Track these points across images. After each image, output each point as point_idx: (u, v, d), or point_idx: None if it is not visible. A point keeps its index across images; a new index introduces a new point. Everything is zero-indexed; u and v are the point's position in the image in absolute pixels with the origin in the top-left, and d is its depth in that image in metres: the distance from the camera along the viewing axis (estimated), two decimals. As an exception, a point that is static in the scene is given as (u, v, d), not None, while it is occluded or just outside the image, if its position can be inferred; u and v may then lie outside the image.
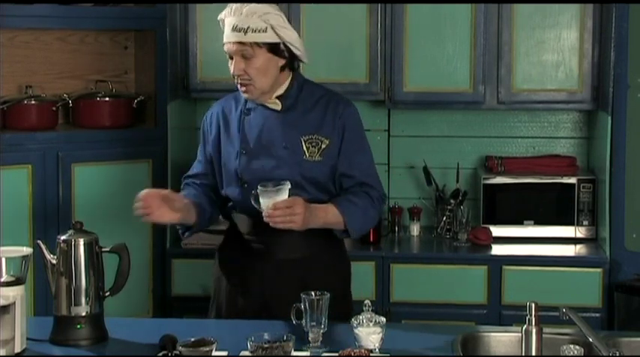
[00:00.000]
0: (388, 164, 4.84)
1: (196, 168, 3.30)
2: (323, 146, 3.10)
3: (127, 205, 4.29)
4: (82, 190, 4.21)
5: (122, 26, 4.46)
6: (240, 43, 3.01)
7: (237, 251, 3.18)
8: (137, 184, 4.30)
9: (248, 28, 2.99)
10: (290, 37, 3.05)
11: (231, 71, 3.06)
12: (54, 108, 4.33)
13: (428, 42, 4.46)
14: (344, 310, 3.06)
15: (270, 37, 3.01)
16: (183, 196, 3.13)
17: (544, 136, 4.78)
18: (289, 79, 3.14)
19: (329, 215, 3.05)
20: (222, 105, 3.25)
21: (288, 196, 2.92)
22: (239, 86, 3.09)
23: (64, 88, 4.48)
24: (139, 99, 4.46)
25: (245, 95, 3.10)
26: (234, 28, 3.01)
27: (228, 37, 3.03)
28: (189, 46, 4.53)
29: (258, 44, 3.01)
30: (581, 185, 4.44)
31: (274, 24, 3.01)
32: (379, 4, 4.43)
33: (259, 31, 3.00)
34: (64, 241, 2.78)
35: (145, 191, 3.01)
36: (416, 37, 4.46)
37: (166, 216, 3.03)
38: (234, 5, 3.05)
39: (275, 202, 2.89)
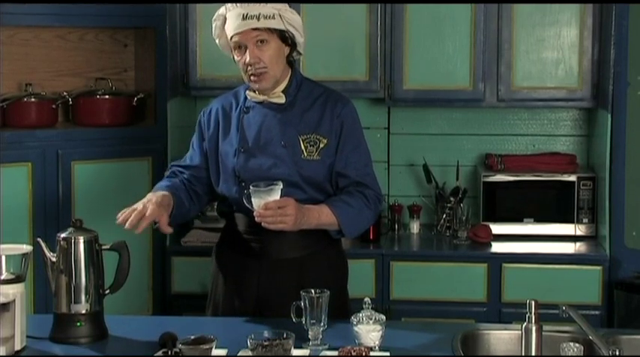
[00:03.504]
0: (388, 162, 4.84)
1: (193, 159, 3.26)
2: (321, 145, 3.10)
3: (127, 202, 4.30)
4: (81, 187, 4.21)
5: (122, 24, 4.46)
6: (256, 29, 3.01)
7: (233, 249, 3.18)
8: (137, 182, 4.32)
9: (259, 14, 3.00)
10: (294, 20, 3.07)
11: (245, 61, 3.04)
12: (54, 106, 4.33)
13: (428, 40, 4.46)
14: (341, 309, 3.06)
15: (279, 24, 3.03)
16: (166, 194, 3.07)
17: (544, 134, 4.78)
18: (289, 75, 3.14)
19: (322, 216, 3.04)
20: (222, 102, 3.24)
21: (281, 196, 2.92)
22: (251, 78, 3.06)
23: (63, 86, 4.47)
24: (138, 97, 4.46)
25: (257, 86, 3.08)
26: (246, 17, 3.00)
27: (240, 26, 3.02)
28: (189, 43, 4.53)
29: (270, 30, 3.02)
30: (581, 183, 4.44)
31: (280, 7, 3.04)
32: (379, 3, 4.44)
33: (270, 17, 3.01)
34: (63, 238, 2.78)
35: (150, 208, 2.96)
36: (416, 35, 4.46)
37: (155, 213, 2.97)
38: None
39: (266, 202, 2.89)
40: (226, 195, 3.17)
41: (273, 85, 3.09)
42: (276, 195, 2.91)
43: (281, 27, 3.04)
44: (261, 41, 3.03)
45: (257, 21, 3.00)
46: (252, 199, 2.91)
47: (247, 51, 3.03)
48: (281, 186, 2.92)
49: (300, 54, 3.21)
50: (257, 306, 3.11)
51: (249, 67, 3.05)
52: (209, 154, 3.21)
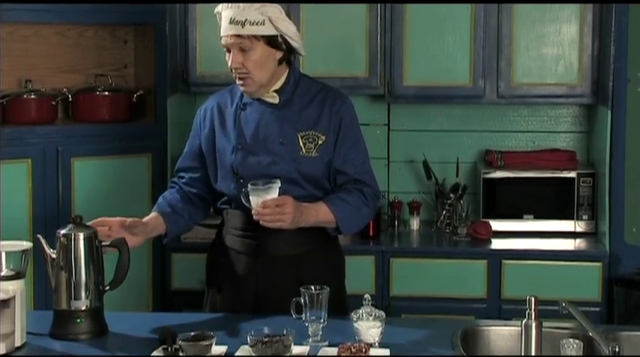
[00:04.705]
0: (388, 158, 4.84)
1: (186, 161, 3.28)
2: (320, 142, 3.10)
3: (127, 199, 4.32)
4: (81, 184, 4.21)
5: (122, 20, 4.45)
6: (238, 36, 3.00)
7: (230, 247, 3.17)
8: (137, 179, 4.33)
9: (246, 20, 2.98)
10: (287, 29, 3.05)
11: (229, 64, 3.06)
12: (53, 102, 4.34)
13: (428, 36, 4.45)
14: (339, 306, 3.06)
15: (267, 30, 3.01)
16: (149, 217, 3.11)
17: (544, 131, 4.78)
18: (286, 73, 3.14)
19: (320, 214, 3.04)
20: (218, 99, 3.24)
21: (279, 194, 2.92)
22: (237, 80, 3.08)
23: (63, 83, 4.48)
24: (138, 93, 4.46)
25: (243, 89, 3.09)
26: (232, 21, 3.00)
27: (226, 30, 3.02)
28: (189, 40, 4.52)
29: (256, 37, 3.00)
30: (581, 179, 4.44)
31: (272, 16, 3.00)
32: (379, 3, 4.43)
33: (257, 24, 2.99)
34: (63, 235, 2.78)
35: (98, 219, 2.95)
36: (416, 31, 4.45)
37: (129, 242, 2.96)
38: None
39: (264, 200, 2.89)
40: (225, 192, 3.17)
41: (259, 89, 3.08)
42: (274, 193, 2.91)
43: (270, 32, 3.01)
44: (243, 49, 3.02)
45: (241, 27, 2.99)
46: (250, 198, 2.91)
47: (232, 55, 3.04)
48: (279, 184, 2.92)
49: (300, 54, 3.19)
50: (255, 303, 3.11)
51: (233, 70, 3.06)
52: (206, 152, 3.21)
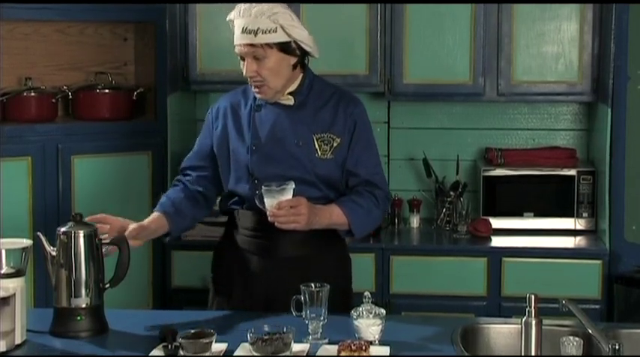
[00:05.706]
0: (388, 156, 4.84)
1: (194, 160, 3.27)
2: (335, 144, 3.10)
3: (127, 197, 4.33)
4: (81, 182, 4.22)
5: (122, 18, 4.45)
6: (251, 45, 2.99)
7: (239, 248, 3.17)
8: (137, 176, 4.33)
9: (258, 29, 2.98)
10: (300, 35, 3.04)
11: (244, 73, 3.05)
12: (53, 100, 4.34)
13: (428, 34, 4.45)
14: (345, 307, 3.05)
15: (280, 37, 3.00)
16: (151, 218, 3.09)
17: (544, 128, 4.78)
18: (301, 76, 3.13)
19: (333, 216, 3.05)
20: (230, 100, 3.23)
21: (293, 195, 2.92)
22: (253, 87, 3.08)
23: (63, 80, 4.48)
24: (138, 91, 4.46)
25: (259, 96, 3.09)
26: (244, 30, 2.99)
27: (239, 39, 3.02)
28: (189, 38, 4.52)
29: (269, 45, 3.00)
30: (581, 177, 4.44)
31: (284, 23, 3.00)
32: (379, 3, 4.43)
33: (269, 32, 2.98)
34: (63, 233, 2.78)
35: (98, 216, 2.96)
36: (416, 29, 4.45)
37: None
38: (242, 6, 3.03)
39: (279, 201, 2.89)
40: (239, 193, 3.15)
41: (275, 95, 3.08)
42: (288, 194, 2.91)
43: (282, 39, 3.01)
44: (257, 57, 3.01)
45: (254, 36, 2.98)
46: (265, 199, 2.91)
47: (246, 63, 3.04)
48: (293, 185, 2.92)
49: (313, 57, 3.18)
50: (265, 304, 3.10)
51: (249, 78, 3.06)
52: (217, 152, 3.20)
